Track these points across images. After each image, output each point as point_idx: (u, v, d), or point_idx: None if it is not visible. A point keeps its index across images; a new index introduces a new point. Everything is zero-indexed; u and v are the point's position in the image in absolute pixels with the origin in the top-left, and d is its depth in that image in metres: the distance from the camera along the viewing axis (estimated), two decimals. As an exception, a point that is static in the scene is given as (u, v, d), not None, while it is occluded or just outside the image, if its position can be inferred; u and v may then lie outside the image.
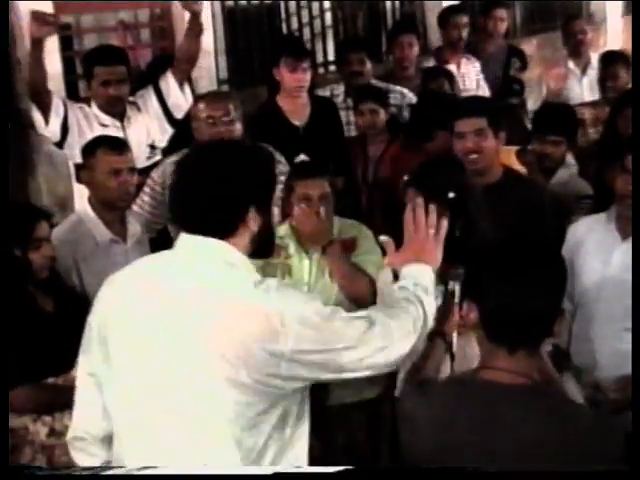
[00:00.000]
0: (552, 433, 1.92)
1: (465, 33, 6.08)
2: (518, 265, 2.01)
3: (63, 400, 2.73)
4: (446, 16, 6.21)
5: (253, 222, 2.13)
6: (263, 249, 2.21)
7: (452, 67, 5.91)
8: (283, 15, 6.72)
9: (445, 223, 2.32)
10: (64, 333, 2.75)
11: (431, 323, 2.22)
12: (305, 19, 6.82)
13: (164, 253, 2.23)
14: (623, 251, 3.08)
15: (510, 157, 4.16)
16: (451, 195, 2.80)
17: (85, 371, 2.23)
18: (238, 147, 2.32)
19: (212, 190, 2.10)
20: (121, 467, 2.14)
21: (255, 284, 2.08)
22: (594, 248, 3.14)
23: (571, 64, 6.27)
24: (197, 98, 4.10)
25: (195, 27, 4.48)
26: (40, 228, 3.05)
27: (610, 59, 5.42)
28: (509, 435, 1.93)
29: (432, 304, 2.22)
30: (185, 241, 2.15)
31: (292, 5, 6.73)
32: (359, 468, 1.92)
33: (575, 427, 1.94)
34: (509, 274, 2.00)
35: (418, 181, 2.97)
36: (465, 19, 6.11)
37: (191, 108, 3.97)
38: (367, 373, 2.11)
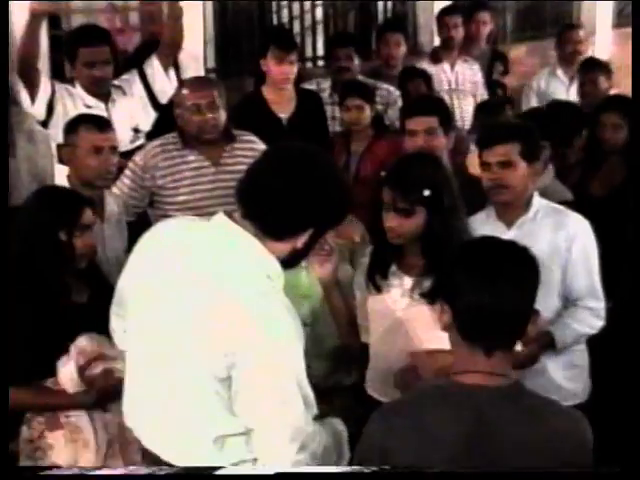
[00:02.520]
0: (535, 432, 1.94)
1: (459, 33, 6.09)
2: (492, 265, 2.00)
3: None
4: (441, 16, 6.22)
5: (301, 241, 2.18)
6: (291, 262, 2.23)
7: (446, 67, 5.97)
8: (274, 7, 6.72)
9: None
10: (95, 325, 2.75)
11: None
12: (296, 12, 6.82)
13: (200, 225, 2.23)
14: (511, 238, 3.14)
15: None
16: (426, 193, 2.78)
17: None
18: (334, 174, 2.26)
19: (292, 201, 2.12)
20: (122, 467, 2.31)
21: (263, 293, 2.10)
22: None
23: (559, 72, 6.30)
24: (180, 84, 4.08)
25: (174, 11, 4.47)
26: (86, 214, 2.99)
27: (590, 66, 5.49)
28: (495, 437, 1.93)
29: None
30: (225, 226, 2.16)
31: (284, -3, 6.75)
32: (364, 469, 1.90)
33: (555, 424, 1.97)
34: (482, 273, 1.99)
35: (392, 178, 2.87)
36: (459, 19, 6.12)
37: (174, 94, 3.96)
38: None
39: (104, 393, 2.78)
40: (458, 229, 2.83)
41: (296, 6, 6.83)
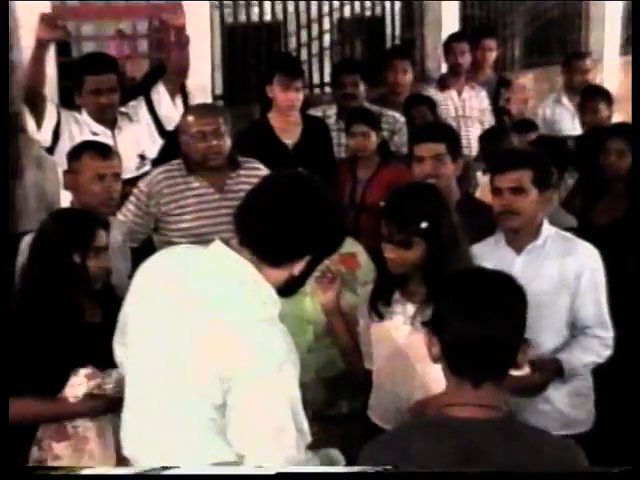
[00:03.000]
0: (527, 463, 1.91)
1: (466, 60, 6.12)
2: (477, 296, 1.98)
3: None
4: (448, 43, 6.25)
5: (298, 268, 2.18)
6: (288, 290, 2.24)
7: (453, 94, 5.99)
8: (282, 34, 6.76)
9: None
10: (108, 345, 2.73)
11: None
12: (304, 39, 6.87)
13: (198, 252, 2.26)
14: (521, 264, 3.20)
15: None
16: (423, 225, 2.77)
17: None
18: (332, 202, 2.26)
19: (289, 228, 2.13)
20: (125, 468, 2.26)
21: (258, 319, 2.10)
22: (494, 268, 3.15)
23: (565, 99, 6.31)
24: (186, 111, 4.09)
25: (181, 38, 4.50)
26: (100, 236, 3.01)
27: (590, 93, 5.50)
28: (487, 469, 1.89)
29: None
30: (221, 252, 2.17)
31: (292, 24, 6.78)
32: (365, 469, 1.89)
33: (548, 454, 1.94)
34: (467, 305, 1.97)
35: (389, 211, 2.86)
36: (466, 46, 6.14)
37: (180, 121, 3.97)
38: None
39: (114, 401, 2.76)
40: (458, 258, 2.82)
41: (304, 33, 6.87)
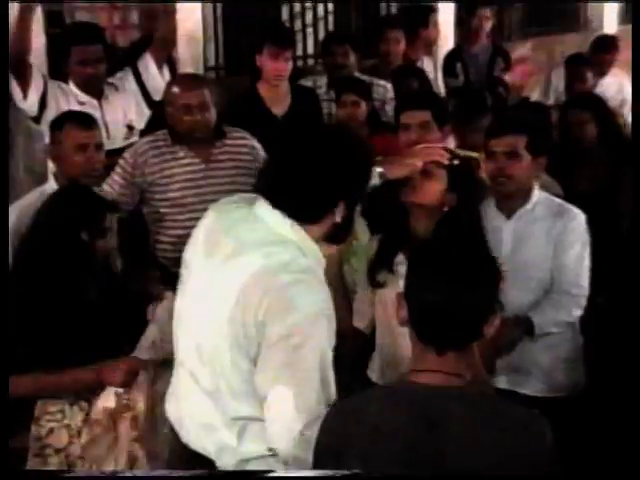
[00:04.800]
0: (486, 431, 1.89)
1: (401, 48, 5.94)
2: (445, 265, 1.97)
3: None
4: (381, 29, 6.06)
5: (339, 215, 2.24)
6: (339, 236, 2.32)
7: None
8: (276, 5, 6.72)
9: None
10: (107, 324, 2.84)
11: None
12: (298, 9, 6.83)
13: (244, 209, 2.30)
14: (510, 228, 3.25)
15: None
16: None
17: None
18: (346, 140, 2.34)
19: (314, 180, 2.20)
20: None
21: (299, 269, 2.16)
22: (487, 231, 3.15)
23: None
24: (170, 82, 4.05)
25: (167, 7, 4.48)
26: (108, 218, 3.03)
27: (576, 61, 5.47)
28: (443, 436, 1.89)
29: None
30: (264, 213, 2.24)
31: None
32: (364, 472, 1.89)
33: (509, 423, 1.92)
34: (435, 273, 1.96)
35: None
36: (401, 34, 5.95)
37: (165, 91, 3.94)
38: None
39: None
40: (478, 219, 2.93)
41: (298, 3, 6.83)
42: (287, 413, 2.14)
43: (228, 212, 2.34)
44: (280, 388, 2.13)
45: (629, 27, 9.04)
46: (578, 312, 3.26)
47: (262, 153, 3.85)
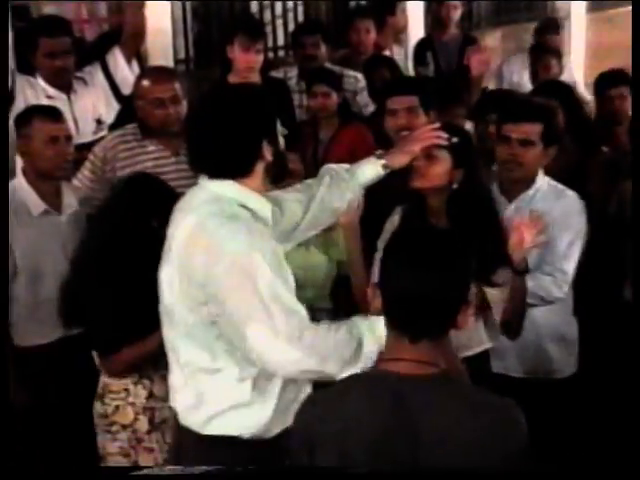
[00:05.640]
0: (459, 421, 1.89)
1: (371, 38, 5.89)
2: (418, 253, 1.96)
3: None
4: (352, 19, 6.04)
5: (268, 153, 2.37)
6: (278, 174, 2.46)
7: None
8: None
9: None
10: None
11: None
12: (267, 0, 6.81)
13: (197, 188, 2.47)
14: (512, 211, 3.25)
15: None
16: (454, 139, 2.85)
17: None
18: (237, 90, 2.56)
19: (228, 135, 2.32)
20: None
21: (228, 218, 2.29)
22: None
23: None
24: (140, 75, 4.03)
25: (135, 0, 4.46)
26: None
27: (541, 50, 5.50)
28: (416, 425, 1.89)
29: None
30: (205, 181, 2.41)
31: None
32: (369, 468, 1.89)
33: (482, 413, 1.92)
34: (409, 261, 1.94)
35: None
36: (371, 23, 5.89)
37: (135, 84, 3.92)
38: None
39: None
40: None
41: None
42: (269, 344, 2.27)
43: (191, 192, 2.49)
44: (252, 326, 2.26)
45: (597, 15, 9.16)
46: (558, 294, 3.25)
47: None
